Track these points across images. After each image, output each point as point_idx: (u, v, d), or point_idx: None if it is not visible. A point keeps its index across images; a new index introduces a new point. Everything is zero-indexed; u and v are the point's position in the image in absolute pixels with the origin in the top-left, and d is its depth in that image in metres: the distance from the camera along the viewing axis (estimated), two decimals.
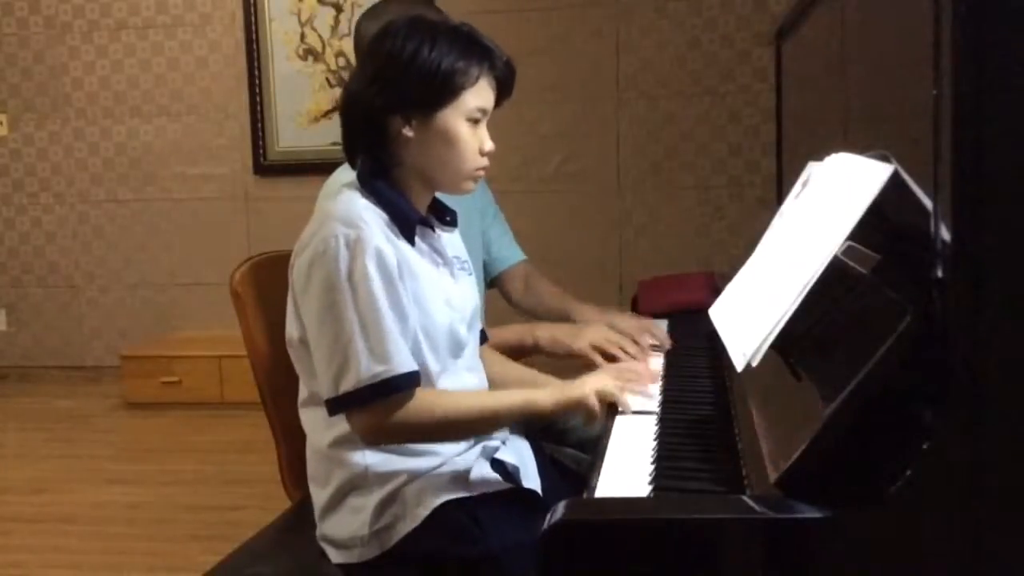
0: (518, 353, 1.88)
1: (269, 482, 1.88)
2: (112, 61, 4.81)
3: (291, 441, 1.64)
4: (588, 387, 1.45)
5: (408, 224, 1.45)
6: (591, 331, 1.85)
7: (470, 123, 1.44)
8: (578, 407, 1.45)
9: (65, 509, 3.23)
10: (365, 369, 1.34)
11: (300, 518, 1.61)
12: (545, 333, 1.91)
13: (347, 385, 1.36)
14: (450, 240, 1.59)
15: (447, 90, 1.41)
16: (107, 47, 4.81)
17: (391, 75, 1.41)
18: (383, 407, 1.36)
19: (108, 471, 3.59)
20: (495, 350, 1.76)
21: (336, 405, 1.38)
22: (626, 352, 1.79)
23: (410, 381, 1.37)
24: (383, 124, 1.43)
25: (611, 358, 1.78)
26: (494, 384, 1.65)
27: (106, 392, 4.62)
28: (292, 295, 1.46)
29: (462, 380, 1.52)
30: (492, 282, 2.17)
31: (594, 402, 1.44)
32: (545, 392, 1.46)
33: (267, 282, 1.69)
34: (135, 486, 3.40)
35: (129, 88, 4.81)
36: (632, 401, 1.47)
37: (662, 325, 1.95)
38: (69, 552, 2.89)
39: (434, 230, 1.53)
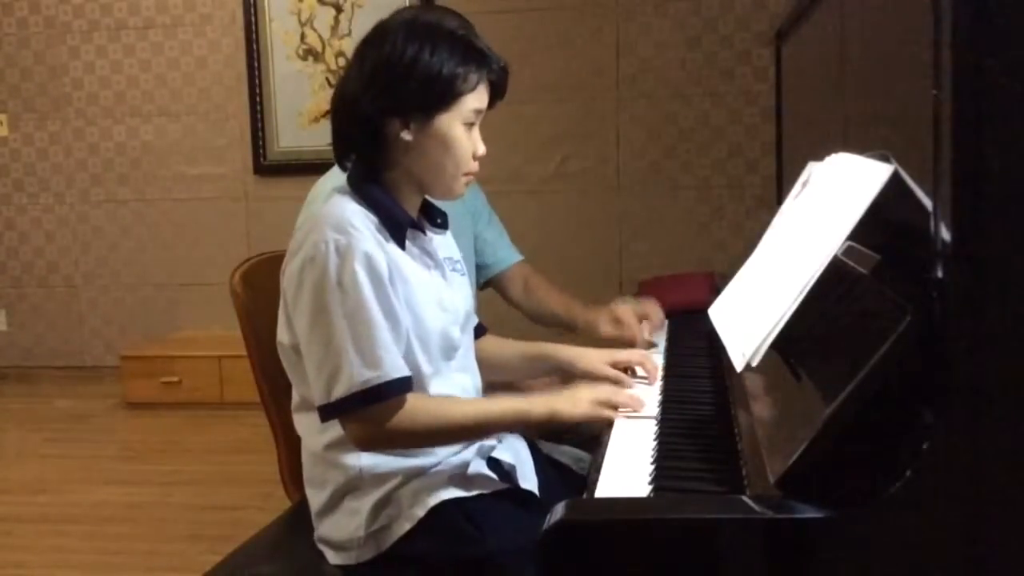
0: None
1: (269, 482, 1.88)
2: (112, 61, 4.81)
3: (291, 441, 1.64)
4: (582, 403, 1.45)
5: (399, 228, 1.45)
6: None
7: (466, 127, 1.45)
8: (572, 420, 1.45)
9: (65, 509, 3.23)
10: (357, 375, 1.34)
11: (300, 518, 1.61)
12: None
13: (339, 391, 1.35)
14: (441, 242, 1.59)
15: (447, 95, 1.41)
16: (107, 47, 4.81)
17: (390, 78, 1.40)
18: (374, 414, 1.36)
19: (108, 471, 3.59)
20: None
21: (328, 411, 1.38)
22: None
23: (400, 387, 1.37)
24: (379, 127, 1.43)
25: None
26: (498, 366, 1.65)
27: (106, 392, 4.62)
28: (283, 301, 1.46)
29: (454, 381, 1.52)
30: (489, 284, 2.17)
31: (594, 412, 1.44)
32: (538, 403, 1.45)
33: (267, 282, 1.68)
34: (135, 486, 3.40)
35: (129, 88, 4.81)
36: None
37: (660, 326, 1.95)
38: (69, 552, 2.89)
39: (425, 232, 1.53)
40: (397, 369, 1.36)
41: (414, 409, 1.38)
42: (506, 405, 1.46)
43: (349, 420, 1.38)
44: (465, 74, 1.41)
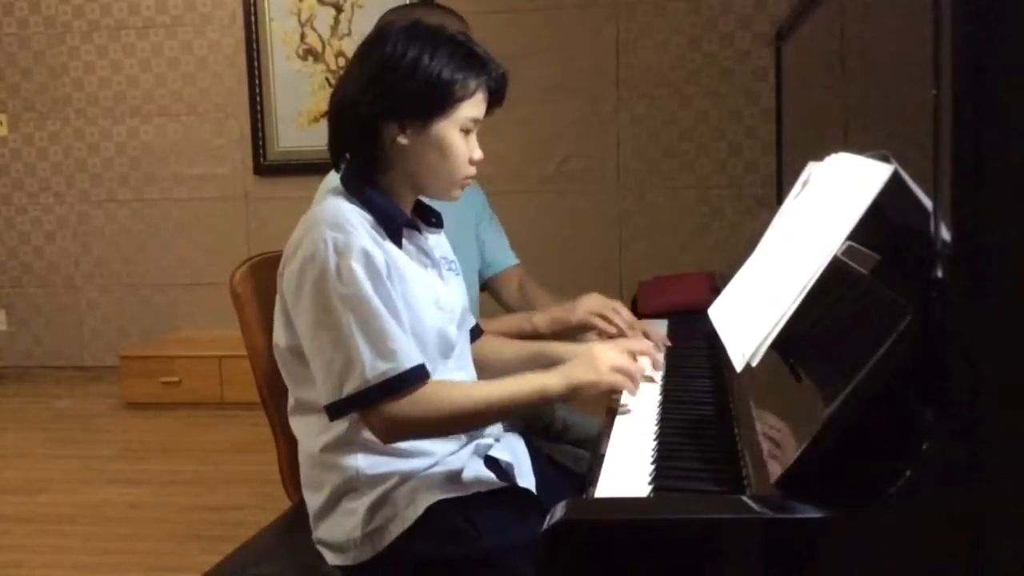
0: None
1: (269, 482, 1.88)
2: (112, 61, 4.81)
3: (291, 442, 1.64)
4: (602, 366, 1.44)
5: (394, 226, 1.45)
6: (587, 299, 1.88)
7: (462, 132, 1.45)
8: (593, 388, 1.43)
9: (65, 509, 3.23)
10: (370, 369, 1.34)
11: (300, 518, 1.60)
12: (542, 317, 1.92)
13: (351, 387, 1.35)
14: (437, 241, 1.59)
15: (446, 101, 1.41)
16: (107, 47, 4.81)
17: (389, 81, 1.40)
18: (394, 404, 1.35)
19: (108, 471, 3.59)
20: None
21: (341, 408, 1.37)
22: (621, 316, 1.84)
23: (419, 374, 1.37)
24: (376, 129, 1.43)
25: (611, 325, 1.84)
26: (499, 368, 1.65)
27: (106, 392, 4.62)
28: (281, 302, 1.45)
29: (451, 379, 1.51)
30: (485, 286, 2.17)
31: (612, 379, 1.44)
32: (555, 376, 1.43)
33: (267, 282, 1.68)
34: (135, 486, 3.40)
35: (129, 88, 4.81)
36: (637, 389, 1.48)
37: (661, 326, 1.95)
38: (69, 552, 2.89)
39: (420, 231, 1.53)
40: (411, 358, 1.36)
41: (434, 396, 1.38)
42: (523, 384, 1.44)
43: (368, 414, 1.37)
44: (464, 80, 1.41)
